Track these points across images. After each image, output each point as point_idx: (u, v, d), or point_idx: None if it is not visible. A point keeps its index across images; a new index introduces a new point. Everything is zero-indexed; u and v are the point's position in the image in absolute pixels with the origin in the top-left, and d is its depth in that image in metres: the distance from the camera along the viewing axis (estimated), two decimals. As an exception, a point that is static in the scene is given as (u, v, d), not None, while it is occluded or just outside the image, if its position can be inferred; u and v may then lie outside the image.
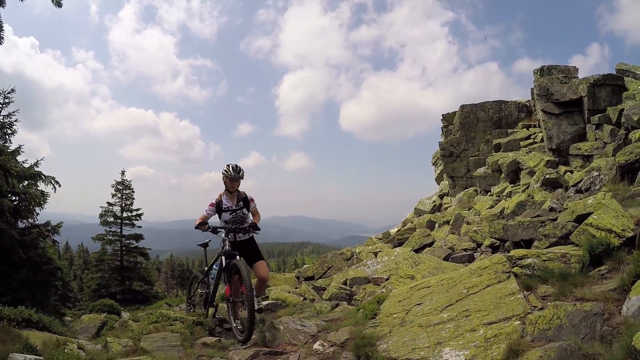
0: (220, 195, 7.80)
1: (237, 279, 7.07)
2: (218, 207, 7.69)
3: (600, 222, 5.72)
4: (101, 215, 32.94)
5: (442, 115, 24.74)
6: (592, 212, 6.64)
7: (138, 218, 33.55)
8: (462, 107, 22.10)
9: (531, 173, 15.78)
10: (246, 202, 7.80)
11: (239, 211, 7.74)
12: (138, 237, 33.08)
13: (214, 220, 7.75)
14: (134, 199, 34.46)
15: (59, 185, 20.11)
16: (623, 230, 5.48)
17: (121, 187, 33.81)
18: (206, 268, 8.39)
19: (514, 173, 17.41)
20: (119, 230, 32.88)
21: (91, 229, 35.36)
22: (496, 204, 15.49)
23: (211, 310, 8.63)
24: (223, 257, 7.26)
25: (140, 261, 33.40)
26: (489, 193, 18.29)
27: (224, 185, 7.75)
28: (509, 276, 5.31)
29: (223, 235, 7.49)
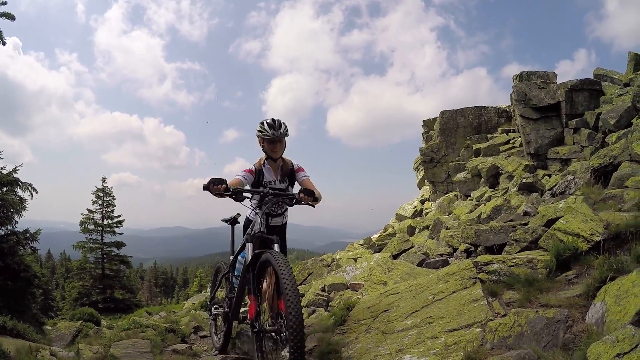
0: (261, 162, 5.33)
1: (271, 288, 4.59)
2: (257, 180, 5.24)
3: (568, 227, 5.67)
4: (82, 223, 32.81)
5: (423, 121, 24.88)
6: (562, 217, 6.62)
7: (119, 225, 33.50)
8: (442, 112, 22.23)
9: (510, 177, 15.85)
10: (292, 176, 5.42)
11: (284, 190, 5.26)
12: (119, 245, 33.00)
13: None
14: (114, 206, 34.45)
15: (36, 192, 19.88)
16: (591, 234, 5.43)
17: (102, 194, 33.71)
18: (231, 258, 5.76)
19: (494, 177, 17.47)
20: (99, 237, 32.77)
21: (74, 236, 35.17)
22: (475, 209, 15.50)
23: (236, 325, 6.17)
24: (249, 246, 4.64)
25: (122, 269, 33.27)
26: (468, 198, 18.35)
27: (263, 151, 5.26)
28: (475, 282, 5.23)
29: (251, 208, 5.00)
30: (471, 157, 20.02)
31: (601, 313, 3.92)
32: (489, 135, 20.71)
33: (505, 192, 15.13)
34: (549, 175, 14.44)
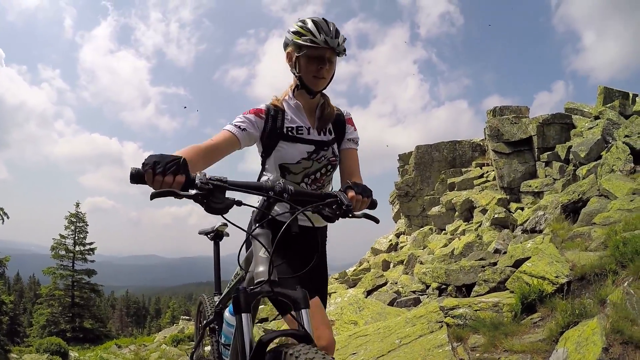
0: (281, 100, 2.82)
1: None
2: (272, 127, 2.68)
3: (534, 270, 5.71)
4: (53, 248, 32.34)
5: (399, 155, 25.12)
6: (530, 257, 6.68)
7: (91, 252, 33.10)
8: (418, 147, 22.47)
9: (484, 211, 15.94)
10: (341, 129, 2.87)
11: (326, 149, 2.76)
12: (90, 273, 32.54)
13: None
14: (87, 232, 34.04)
15: (7, 217, 19.61)
16: (556, 276, 5.47)
17: (75, 220, 33.31)
18: (216, 298, 3.55)
19: (468, 211, 17.57)
20: (70, 264, 32.24)
21: (44, 260, 34.59)
22: (450, 243, 15.53)
23: None
24: (241, 298, 1.84)
25: (92, 297, 32.69)
26: (443, 231, 18.40)
27: (295, 74, 2.71)
28: (441, 326, 5.22)
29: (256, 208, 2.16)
30: (446, 191, 20.15)
31: (562, 359, 3.94)
32: (463, 170, 20.89)
33: (479, 225, 15.22)
34: (522, 209, 14.58)
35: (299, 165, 2.68)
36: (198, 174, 1.83)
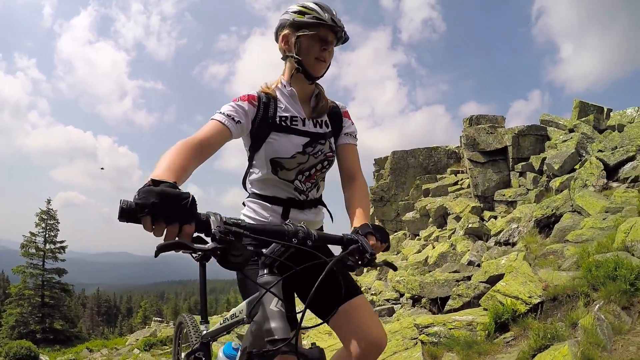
0: (274, 87, 2.50)
1: None
2: (264, 116, 2.34)
3: (508, 289, 5.79)
4: (23, 246, 31.63)
5: (375, 159, 25.25)
6: (504, 274, 6.78)
7: (62, 251, 32.47)
8: (394, 153, 22.66)
9: (457, 218, 16.11)
10: (337, 122, 2.58)
11: (323, 143, 2.45)
12: (61, 272, 31.95)
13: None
14: (58, 230, 33.45)
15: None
16: (530, 297, 5.55)
17: (46, 217, 32.67)
18: (203, 329, 3.11)
19: (442, 218, 17.74)
20: (41, 263, 31.60)
21: (15, 256, 33.80)
22: (423, 249, 15.66)
23: None
24: None
25: (62, 297, 32.09)
26: (417, 237, 18.54)
27: (292, 58, 2.37)
28: (416, 343, 5.28)
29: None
30: (420, 196, 20.32)
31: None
32: (439, 176, 21.10)
33: (453, 232, 15.37)
34: (495, 217, 14.77)
35: (294, 160, 2.37)
36: (212, 217, 1.47)
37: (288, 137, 2.35)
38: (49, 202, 33.30)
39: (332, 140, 2.52)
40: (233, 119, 2.19)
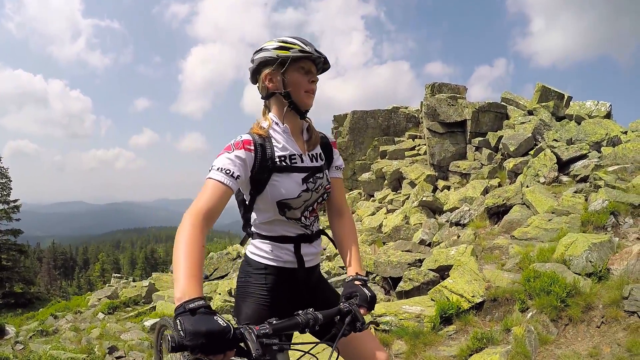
0: (266, 128, 2.37)
1: None
2: (262, 158, 2.25)
3: (454, 287, 6.43)
4: (-27, 209, 29.51)
5: (334, 116, 25.33)
6: (452, 265, 7.49)
7: (16, 210, 31.03)
8: (354, 112, 22.96)
9: (412, 184, 16.73)
10: (328, 153, 2.60)
11: (321, 176, 2.45)
12: (17, 233, 30.77)
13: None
14: (11, 188, 32.12)
15: None
16: (473, 296, 6.20)
17: (-4, 177, 30.53)
18: None
19: (397, 181, 18.36)
20: (-7, 225, 30.03)
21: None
22: (378, 211, 16.31)
23: None
24: None
25: (19, 259, 31.09)
26: (372, 198, 19.17)
27: (281, 94, 2.34)
28: (370, 328, 5.88)
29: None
30: (377, 158, 20.85)
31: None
32: (397, 139, 21.61)
33: (407, 198, 16.01)
34: (448, 188, 15.46)
35: (300, 199, 2.34)
36: (249, 341, 1.58)
37: (290, 176, 2.32)
38: (-1, 159, 31.16)
39: (327, 172, 2.54)
40: (232, 175, 2.10)
